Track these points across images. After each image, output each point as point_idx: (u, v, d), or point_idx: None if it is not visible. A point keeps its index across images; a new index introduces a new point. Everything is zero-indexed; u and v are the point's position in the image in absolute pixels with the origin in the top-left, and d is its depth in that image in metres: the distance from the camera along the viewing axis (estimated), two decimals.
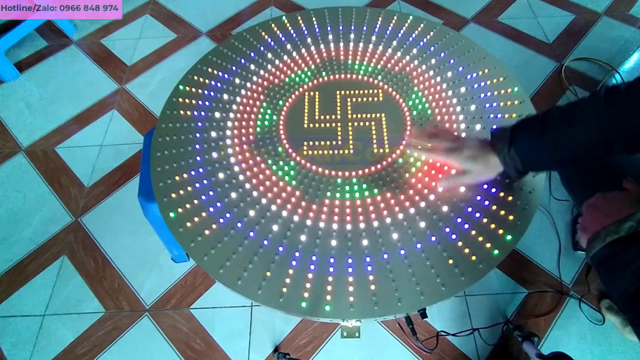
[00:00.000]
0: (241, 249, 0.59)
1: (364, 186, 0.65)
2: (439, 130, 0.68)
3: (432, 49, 0.83)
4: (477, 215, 0.61)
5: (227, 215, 0.62)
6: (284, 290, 0.56)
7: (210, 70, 0.81)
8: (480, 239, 0.59)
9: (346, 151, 0.70)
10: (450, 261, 0.57)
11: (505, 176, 0.61)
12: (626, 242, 0.39)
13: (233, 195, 0.65)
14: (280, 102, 0.77)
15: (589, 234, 0.45)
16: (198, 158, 0.69)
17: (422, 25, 0.87)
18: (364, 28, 0.87)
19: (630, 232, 0.39)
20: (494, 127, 0.62)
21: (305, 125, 0.74)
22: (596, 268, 0.43)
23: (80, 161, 1.32)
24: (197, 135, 0.72)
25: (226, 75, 0.80)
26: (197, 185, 0.65)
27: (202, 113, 0.75)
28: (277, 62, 0.83)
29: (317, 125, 0.74)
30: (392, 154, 0.69)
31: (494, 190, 0.63)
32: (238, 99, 0.77)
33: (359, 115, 0.75)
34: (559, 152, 0.52)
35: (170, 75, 1.54)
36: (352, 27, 0.88)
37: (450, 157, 0.61)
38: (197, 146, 0.70)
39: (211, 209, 0.63)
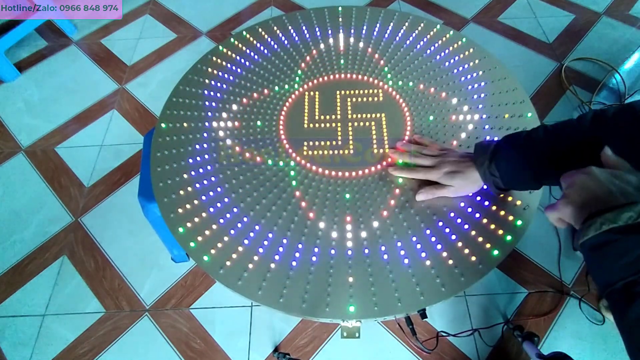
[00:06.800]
0: (241, 249, 0.59)
1: (364, 186, 0.65)
2: (422, 141, 0.69)
3: (432, 48, 0.83)
4: (477, 215, 0.61)
5: (227, 215, 0.62)
6: (284, 290, 0.56)
7: (210, 70, 0.81)
8: (480, 239, 0.59)
9: (346, 151, 0.70)
10: (450, 261, 0.57)
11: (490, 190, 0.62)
12: (622, 233, 0.38)
13: (233, 195, 0.65)
14: (280, 102, 0.77)
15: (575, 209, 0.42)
16: (198, 158, 0.69)
17: (422, 25, 0.87)
18: (364, 28, 0.87)
19: (628, 223, 0.39)
20: (487, 138, 0.62)
21: (305, 126, 0.74)
22: (585, 255, 0.42)
23: (80, 161, 1.32)
24: (197, 135, 0.72)
25: (226, 75, 0.80)
26: (197, 185, 0.65)
27: (202, 113, 0.75)
28: (277, 61, 0.83)
29: (317, 125, 0.74)
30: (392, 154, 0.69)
31: None
32: (238, 98, 0.77)
33: (359, 115, 0.75)
34: (539, 173, 0.52)
35: (170, 75, 1.55)
36: (352, 27, 0.88)
37: (430, 174, 0.63)
38: (197, 146, 0.70)
39: (211, 209, 0.63)
